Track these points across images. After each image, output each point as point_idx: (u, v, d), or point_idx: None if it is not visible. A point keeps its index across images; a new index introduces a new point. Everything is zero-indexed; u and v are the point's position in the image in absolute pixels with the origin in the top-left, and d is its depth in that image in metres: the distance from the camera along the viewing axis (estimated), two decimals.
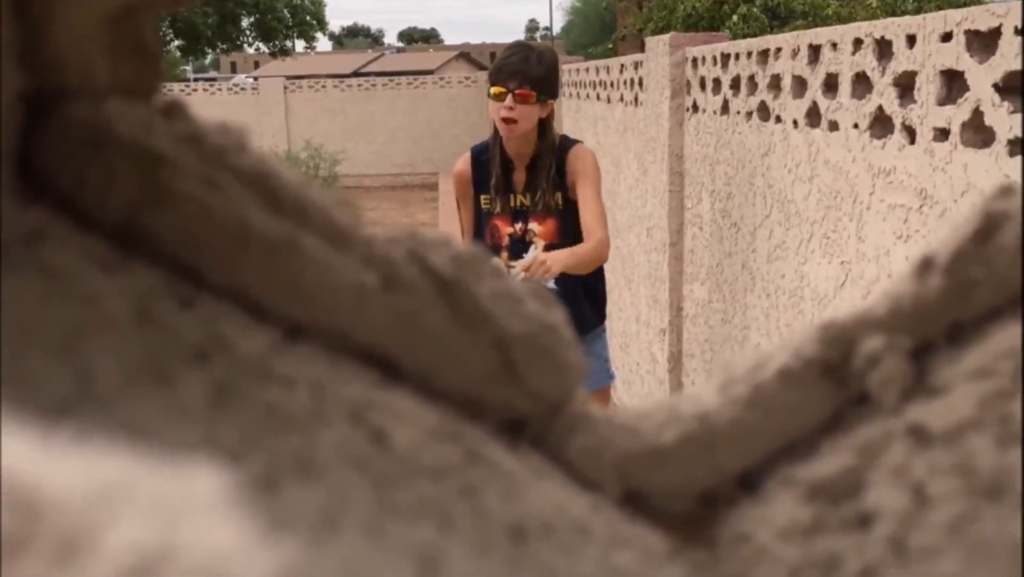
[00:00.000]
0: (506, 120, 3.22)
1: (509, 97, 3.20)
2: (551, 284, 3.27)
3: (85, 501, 0.16)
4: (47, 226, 0.33)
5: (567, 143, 3.40)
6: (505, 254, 3.39)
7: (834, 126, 2.69)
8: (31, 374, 0.27)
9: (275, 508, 0.26)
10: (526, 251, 3.32)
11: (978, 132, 2.04)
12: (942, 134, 2.15)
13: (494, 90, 3.25)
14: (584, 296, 3.44)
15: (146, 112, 0.36)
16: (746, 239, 3.46)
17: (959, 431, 0.35)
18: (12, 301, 0.29)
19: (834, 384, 0.39)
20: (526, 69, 3.21)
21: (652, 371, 4.75)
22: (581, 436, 0.39)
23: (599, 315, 3.56)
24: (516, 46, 3.40)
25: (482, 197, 3.42)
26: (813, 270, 2.86)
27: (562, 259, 3.16)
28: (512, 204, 3.38)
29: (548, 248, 3.32)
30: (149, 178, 0.35)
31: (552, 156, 3.32)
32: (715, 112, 3.72)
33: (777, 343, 0.41)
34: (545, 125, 3.33)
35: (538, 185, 3.33)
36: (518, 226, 3.39)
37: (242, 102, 16.88)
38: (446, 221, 11.19)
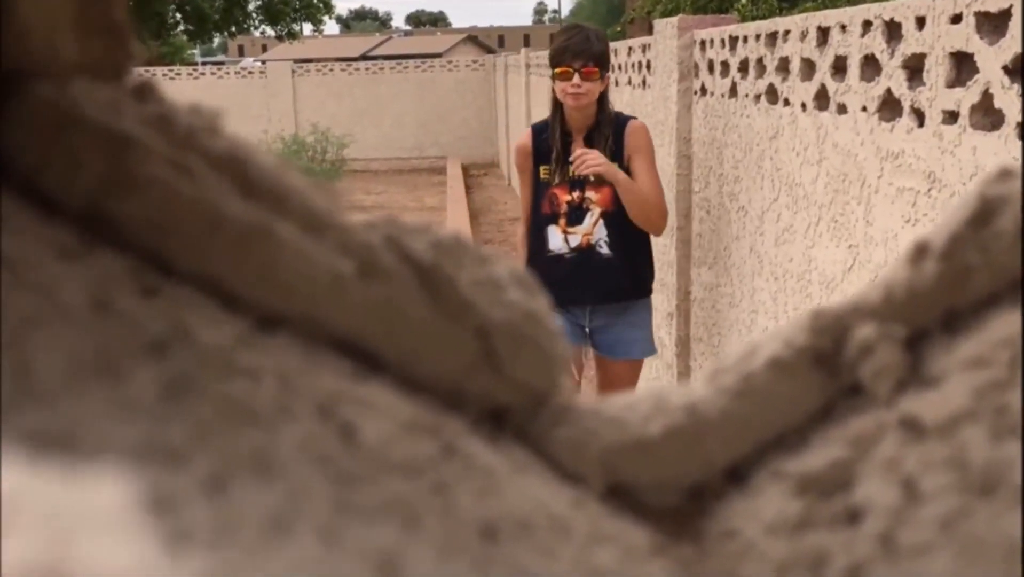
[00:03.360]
0: (575, 96, 3.46)
1: (576, 75, 3.46)
2: (605, 250, 3.41)
3: None
4: (6, 212, 0.32)
5: (622, 118, 3.64)
6: (563, 221, 3.61)
7: (843, 109, 2.67)
8: None
9: (219, 512, 0.24)
10: (583, 218, 3.59)
11: (987, 115, 2.02)
12: (951, 117, 2.12)
13: (559, 70, 3.50)
14: (636, 262, 3.54)
15: (114, 93, 0.35)
16: (754, 223, 3.44)
17: (953, 423, 0.33)
18: None
19: (826, 374, 0.38)
20: (589, 48, 3.48)
21: (660, 355, 4.74)
22: (565, 428, 0.38)
23: (648, 285, 3.74)
24: (572, 28, 3.66)
25: (541, 168, 3.66)
26: (821, 254, 2.84)
27: (609, 168, 3.46)
28: (570, 174, 3.57)
29: (604, 215, 3.57)
30: (116, 161, 0.33)
31: (609, 127, 3.55)
32: (723, 95, 3.70)
33: (770, 331, 0.40)
34: (604, 98, 3.57)
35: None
36: (575, 194, 3.60)
37: (250, 86, 16.85)
38: (454, 205, 11.16)
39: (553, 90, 3.59)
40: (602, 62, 3.51)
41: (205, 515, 0.23)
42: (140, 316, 0.31)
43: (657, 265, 4.61)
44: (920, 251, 0.37)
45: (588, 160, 3.45)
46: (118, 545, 0.15)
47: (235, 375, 0.31)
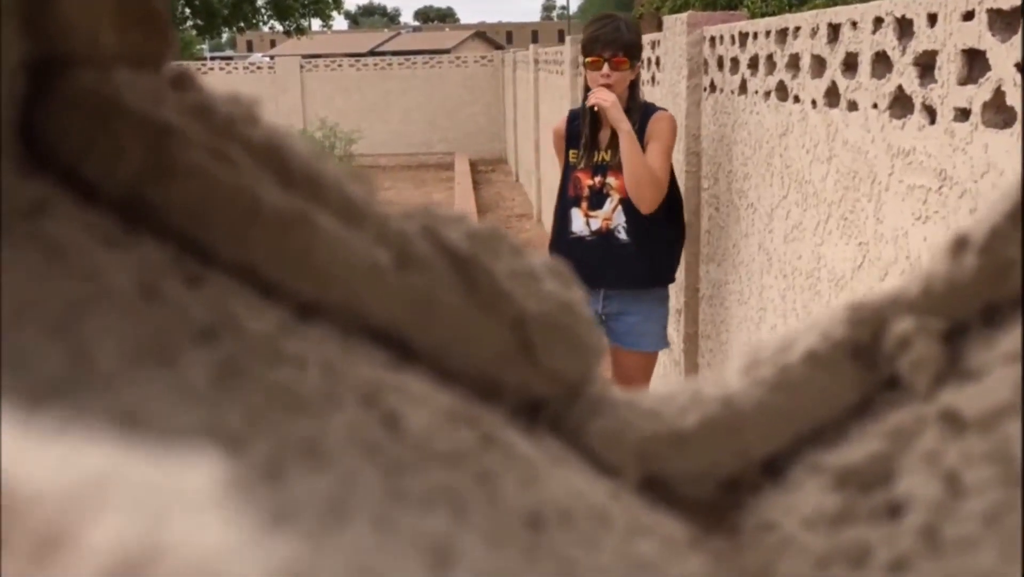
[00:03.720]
0: (605, 86, 3.53)
1: (606, 65, 3.55)
2: (623, 236, 3.45)
3: (65, 494, 0.14)
4: (49, 198, 0.32)
5: (651, 108, 3.70)
6: (585, 204, 3.69)
7: (853, 106, 2.66)
8: (25, 353, 0.25)
9: (279, 498, 0.24)
10: (603, 203, 3.66)
11: (999, 112, 2.01)
12: (963, 114, 2.12)
13: (590, 60, 3.59)
14: (654, 251, 3.57)
15: (155, 82, 0.35)
16: (763, 220, 3.43)
17: (995, 417, 0.33)
18: (9, 275, 0.28)
19: (863, 367, 0.38)
20: (619, 38, 3.56)
21: (668, 351, 4.74)
22: (601, 419, 0.38)
23: (665, 276, 3.78)
24: (603, 18, 3.73)
25: (571, 152, 3.76)
26: (830, 251, 2.84)
27: (616, 111, 3.49)
28: (595, 159, 3.69)
29: (622, 202, 3.63)
30: (156, 149, 0.33)
31: (637, 116, 3.59)
32: (733, 92, 3.69)
33: (799, 324, 0.40)
34: (634, 86, 3.65)
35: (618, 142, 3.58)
36: (597, 179, 3.68)
37: (258, 81, 16.85)
38: (462, 201, 11.16)
39: (585, 77, 3.67)
40: (632, 52, 3.58)
41: (267, 500, 0.23)
42: (187, 304, 0.31)
43: None
44: (960, 244, 0.37)
45: (600, 95, 3.50)
46: (211, 527, 0.15)
47: (282, 362, 0.31)
